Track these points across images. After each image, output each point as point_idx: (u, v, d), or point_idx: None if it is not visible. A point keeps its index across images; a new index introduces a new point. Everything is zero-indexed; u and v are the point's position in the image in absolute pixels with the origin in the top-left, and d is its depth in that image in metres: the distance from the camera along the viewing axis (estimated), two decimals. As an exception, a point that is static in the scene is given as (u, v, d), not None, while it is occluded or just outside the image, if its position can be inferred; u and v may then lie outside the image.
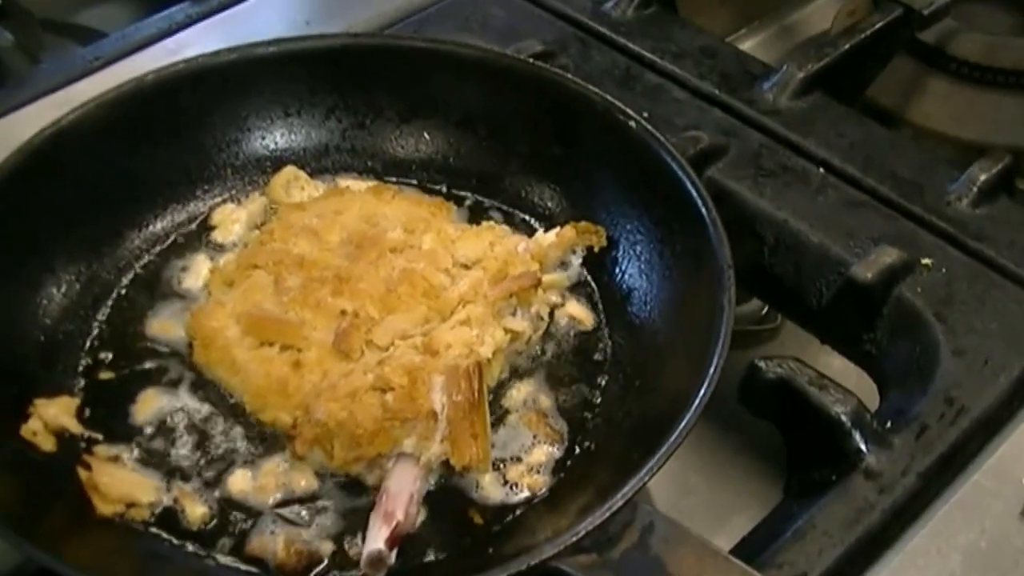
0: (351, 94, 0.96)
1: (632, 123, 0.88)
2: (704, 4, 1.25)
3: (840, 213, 0.96)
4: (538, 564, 0.66)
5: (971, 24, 1.19)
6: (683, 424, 0.70)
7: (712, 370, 0.73)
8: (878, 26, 1.10)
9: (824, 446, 0.83)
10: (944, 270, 0.92)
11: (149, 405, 0.82)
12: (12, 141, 0.89)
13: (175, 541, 0.76)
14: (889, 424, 0.83)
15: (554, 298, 0.87)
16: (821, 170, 0.99)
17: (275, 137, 0.96)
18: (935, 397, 0.85)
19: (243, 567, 0.75)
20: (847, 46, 1.09)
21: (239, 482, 0.78)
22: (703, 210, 0.82)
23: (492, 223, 0.91)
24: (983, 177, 0.97)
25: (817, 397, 0.83)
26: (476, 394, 0.76)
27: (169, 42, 1.12)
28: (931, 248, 0.94)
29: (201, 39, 1.12)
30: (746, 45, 1.29)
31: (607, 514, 0.67)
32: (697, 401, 0.72)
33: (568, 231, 0.88)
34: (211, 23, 1.15)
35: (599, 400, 0.83)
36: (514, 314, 0.84)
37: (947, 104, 1.16)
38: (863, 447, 0.81)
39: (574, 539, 0.66)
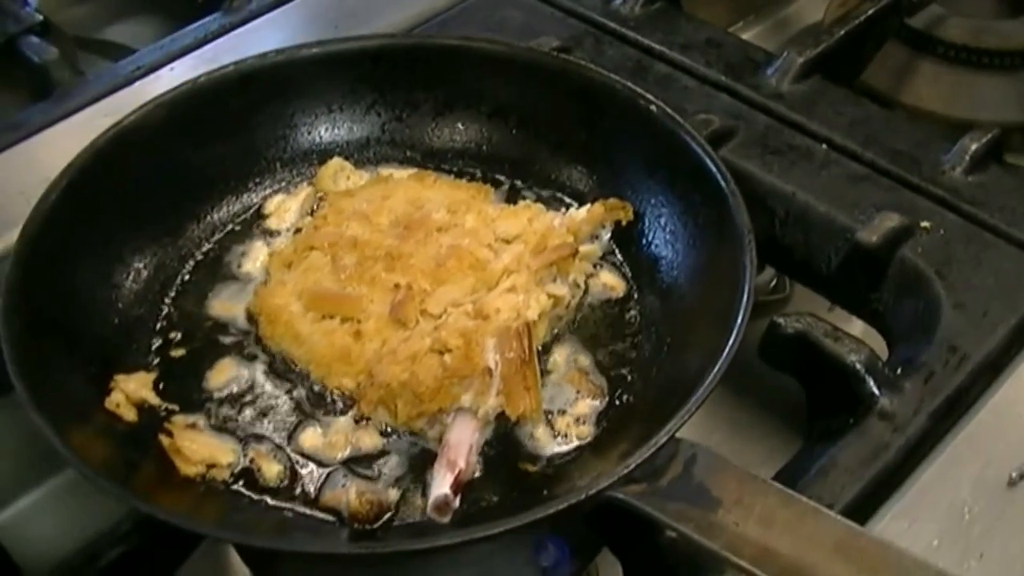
0: (389, 90, 1.03)
1: (653, 107, 0.95)
2: (703, 1, 1.32)
3: (844, 186, 1.03)
4: (595, 494, 0.72)
5: (958, 10, 1.26)
6: (717, 368, 0.77)
7: (739, 321, 0.80)
8: (870, 12, 1.18)
9: (841, 393, 0.89)
10: (942, 232, 0.99)
11: (222, 375, 0.88)
12: (61, 149, 0.96)
13: (254, 496, 0.82)
14: (899, 371, 0.90)
15: (588, 268, 0.94)
16: (824, 147, 1.06)
17: (320, 131, 1.03)
18: (940, 346, 0.91)
19: (320, 516, 0.81)
20: (842, 32, 1.16)
21: (310, 439, 0.84)
22: (722, 181, 0.89)
23: (528, 202, 0.97)
24: (974, 147, 1.04)
25: (832, 348, 0.89)
26: (526, 351, 0.83)
27: (206, 50, 1.18)
28: (929, 213, 1.00)
29: (235, 48, 1.18)
30: (744, 37, 1.35)
31: (654, 448, 0.73)
32: (727, 349, 0.78)
33: (598, 207, 0.95)
34: (243, 32, 1.21)
35: (634, 357, 0.89)
36: (554, 281, 0.90)
37: (937, 85, 1.23)
38: (876, 391, 0.87)
39: (626, 471, 0.73)
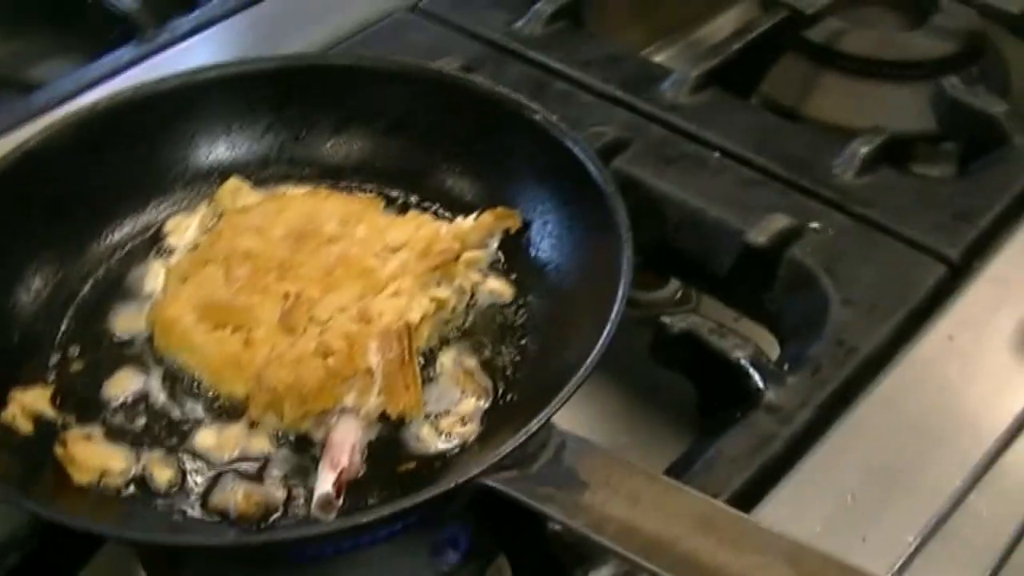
0: (286, 110, 1.05)
1: (537, 116, 0.97)
2: (614, 23, 1.35)
3: (736, 190, 1.05)
4: (465, 481, 0.74)
5: (858, 23, 1.29)
6: (591, 357, 0.79)
7: (614, 313, 0.82)
8: (765, 27, 1.21)
9: (729, 389, 0.91)
10: (831, 232, 1.01)
11: (117, 386, 0.90)
12: None
13: (147, 501, 0.83)
14: (786, 366, 0.92)
15: (475, 276, 0.95)
16: (717, 154, 1.08)
17: (219, 152, 1.05)
18: (827, 341, 0.93)
19: (208, 519, 0.82)
20: (738, 45, 1.19)
21: (201, 443, 0.86)
22: (602, 184, 0.91)
23: (418, 212, 0.99)
24: (863, 150, 1.07)
25: (718, 344, 0.92)
26: (406, 351, 0.85)
27: (119, 79, 1.20)
28: (819, 214, 1.03)
29: (147, 76, 1.19)
30: (657, 59, 1.39)
31: (525, 436, 0.74)
32: (602, 339, 0.80)
33: (486, 216, 0.97)
34: (156, 60, 1.23)
35: (519, 359, 0.91)
36: (438, 286, 0.92)
37: (838, 97, 1.25)
38: (762, 385, 0.89)
39: (496, 458, 0.75)
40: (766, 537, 0.70)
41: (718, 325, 0.93)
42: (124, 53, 1.23)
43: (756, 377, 0.90)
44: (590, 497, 0.73)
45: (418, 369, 0.86)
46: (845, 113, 1.25)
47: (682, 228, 1.03)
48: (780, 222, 0.99)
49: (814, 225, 1.01)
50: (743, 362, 0.91)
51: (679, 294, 1.18)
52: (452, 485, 0.74)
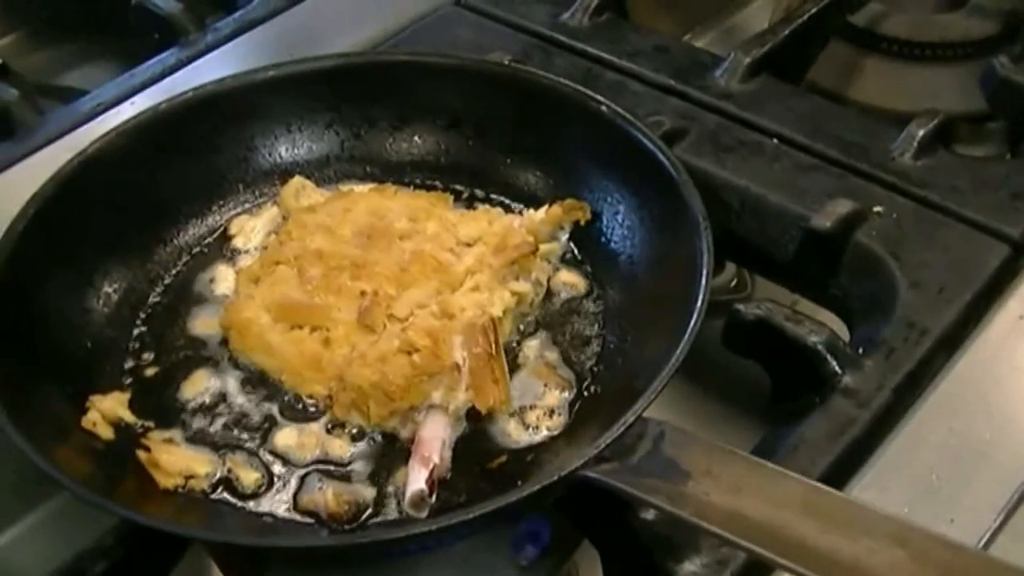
0: (345, 109, 1.05)
1: (604, 107, 0.97)
2: (650, 12, 1.35)
3: (795, 176, 1.05)
4: (567, 475, 0.74)
5: (898, 6, 1.30)
6: (680, 348, 0.79)
7: (699, 302, 0.82)
8: (812, 11, 1.21)
9: (804, 375, 0.91)
10: (894, 216, 1.01)
11: (195, 388, 0.90)
12: (27, 185, 0.97)
13: (235, 503, 0.83)
14: (860, 350, 0.92)
15: (549, 268, 0.96)
16: (775, 141, 1.09)
17: (280, 152, 1.05)
18: (898, 324, 0.94)
19: (299, 519, 0.82)
20: (787, 32, 1.19)
21: (283, 442, 0.86)
22: (674, 172, 0.91)
23: (487, 207, 0.99)
24: (920, 133, 1.07)
25: (793, 330, 0.92)
26: (493, 346, 0.85)
27: (164, 83, 1.20)
28: (880, 198, 1.03)
29: (192, 79, 1.18)
30: (694, 48, 1.39)
31: (623, 428, 0.74)
32: (689, 330, 0.80)
33: (556, 208, 0.97)
34: (200, 64, 1.22)
35: (599, 350, 0.91)
36: (516, 280, 0.92)
37: (881, 80, 1.26)
38: (839, 370, 0.89)
39: (596, 451, 0.74)
40: (873, 519, 0.70)
41: (792, 311, 0.93)
42: (168, 57, 1.22)
43: (832, 362, 0.91)
44: (693, 486, 0.73)
45: (505, 363, 0.86)
46: (889, 96, 1.26)
47: (744, 215, 1.03)
48: (844, 207, 1.00)
49: (877, 209, 1.02)
50: (819, 347, 0.91)
51: (735, 281, 1.18)
52: (555, 478, 0.74)
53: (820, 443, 0.87)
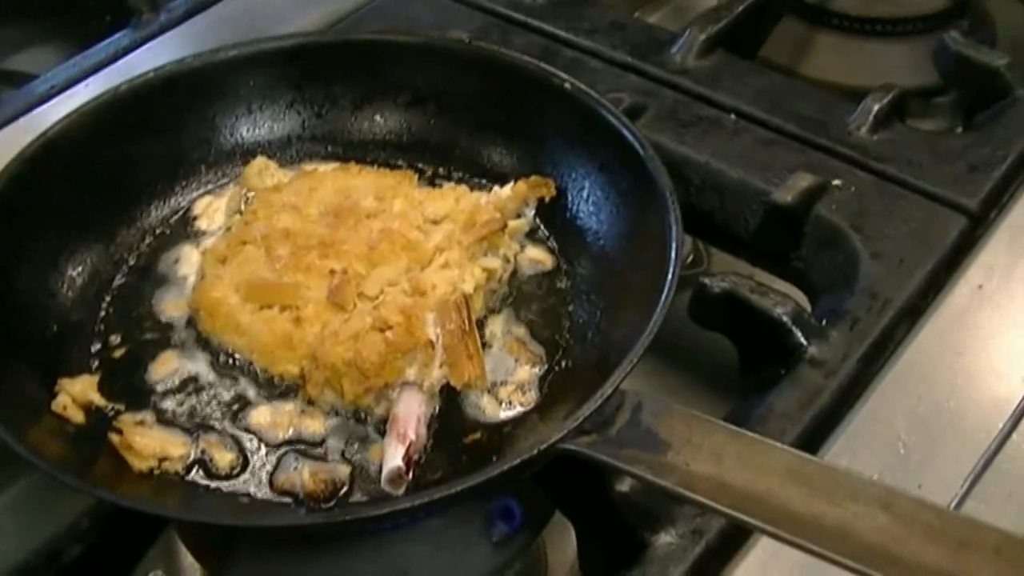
0: (307, 87, 1.05)
1: (567, 84, 0.97)
2: (602, -11, 1.36)
3: (755, 151, 1.07)
4: (548, 447, 0.74)
5: (850, -16, 1.32)
6: (654, 318, 0.79)
7: (671, 274, 0.82)
8: (766, -12, 1.23)
9: (770, 346, 0.92)
10: (853, 189, 1.03)
11: (164, 369, 0.89)
12: None
13: (210, 484, 0.83)
14: (824, 321, 0.94)
15: (515, 245, 0.96)
16: (733, 116, 1.10)
17: (242, 132, 1.04)
18: (861, 295, 0.95)
19: (276, 498, 0.82)
20: (741, 8, 1.20)
21: (255, 421, 0.86)
22: (640, 149, 0.92)
23: (452, 185, 1.00)
24: (876, 107, 1.09)
25: (759, 302, 0.93)
26: (466, 322, 0.85)
27: (119, 64, 1.20)
28: (839, 172, 1.05)
29: (147, 61, 1.19)
30: (645, 24, 1.40)
31: (602, 400, 0.75)
32: (662, 301, 0.80)
33: (521, 184, 0.97)
34: (154, 44, 1.23)
35: (569, 325, 0.92)
36: (485, 256, 0.93)
37: (834, 56, 1.28)
38: (804, 341, 0.91)
39: (576, 423, 0.75)
40: (857, 484, 0.70)
41: (757, 284, 0.94)
42: (121, 38, 1.22)
43: (798, 333, 0.92)
44: (674, 456, 0.73)
45: (479, 339, 0.86)
46: (840, 71, 1.28)
47: (705, 190, 1.04)
48: (805, 180, 1.01)
49: (836, 182, 1.03)
50: (785, 319, 0.92)
51: (691, 256, 1.19)
52: (536, 451, 0.74)
53: (789, 413, 0.88)
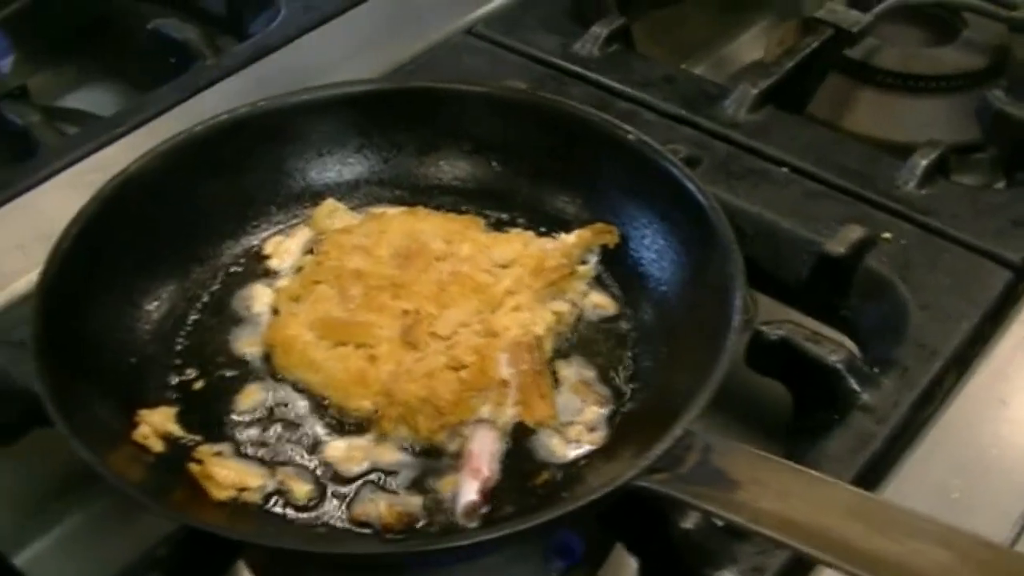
0: (374, 133, 1.08)
1: (630, 136, 1.01)
2: (648, 43, 1.40)
3: (805, 203, 1.10)
4: (624, 484, 0.77)
5: (892, 41, 1.35)
6: (720, 361, 0.83)
7: (733, 321, 0.85)
8: (814, 46, 1.26)
9: (824, 392, 0.96)
10: (902, 241, 1.06)
11: (241, 404, 0.92)
12: (54, 204, 1.05)
13: (287, 514, 0.86)
14: (876, 369, 0.97)
15: (582, 288, 0.99)
16: (784, 169, 1.14)
17: (311, 174, 1.08)
18: (910, 344, 0.98)
19: (355, 529, 0.85)
20: (790, 65, 1.24)
21: (331, 455, 0.89)
22: (702, 199, 0.95)
23: (519, 230, 1.03)
24: (923, 162, 1.12)
25: (815, 350, 0.96)
26: (539, 362, 0.89)
27: (183, 107, 1.23)
28: (887, 225, 1.08)
29: (208, 104, 1.23)
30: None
31: (673, 439, 0.78)
32: (726, 346, 0.84)
33: (586, 231, 1.00)
34: (216, 89, 1.26)
35: (633, 368, 0.94)
36: (553, 300, 0.96)
37: (876, 111, 1.31)
38: (858, 388, 0.94)
39: (648, 462, 0.78)
40: (917, 522, 0.74)
41: (812, 332, 0.97)
42: (184, 81, 1.25)
43: (851, 380, 0.95)
44: (743, 494, 0.76)
45: (551, 379, 0.89)
46: (881, 127, 1.31)
47: (756, 240, 1.07)
48: (855, 232, 1.04)
49: (886, 235, 1.06)
50: (839, 367, 0.95)
51: (739, 302, 1.21)
52: (612, 487, 0.77)
53: (843, 457, 0.91)
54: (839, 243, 1.03)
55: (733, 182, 1.11)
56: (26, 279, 1.04)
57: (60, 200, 1.08)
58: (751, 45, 1.52)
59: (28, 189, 1.14)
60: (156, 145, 1.02)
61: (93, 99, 1.49)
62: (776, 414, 1.03)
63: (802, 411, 0.98)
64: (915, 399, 0.95)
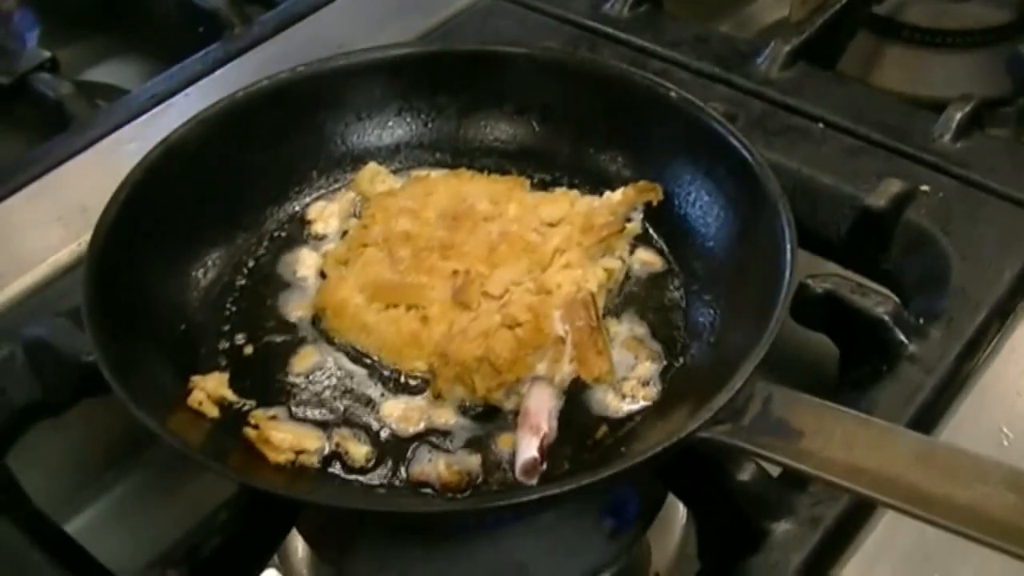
0: (413, 97, 1.08)
1: (672, 93, 1.01)
2: (675, 2, 1.40)
3: (843, 158, 1.11)
4: (686, 436, 0.78)
5: (919, -2, 1.36)
6: (775, 315, 0.83)
7: (787, 276, 0.85)
8: (843, 2, 1.27)
9: (871, 344, 0.96)
10: (940, 194, 1.07)
11: (293, 366, 0.93)
12: (89, 176, 1.07)
13: (346, 476, 0.86)
14: (921, 320, 0.98)
15: (627, 247, 1.00)
16: (820, 125, 1.14)
17: (352, 139, 1.08)
18: (954, 294, 0.99)
19: (415, 489, 0.85)
20: (821, 21, 1.24)
21: (389, 414, 0.89)
22: (747, 154, 0.95)
23: (564, 189, 1.03)
24: (958, 115, 1.13)
25: (861, 302, 0.97)
26: (594, 318, 0.89)
27: (215, 76, 1.23)
28: (926, 178, 1.08)
29: (244, 72, 1.23)
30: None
31: (734, 390, 0.79)
32: (781, 301, 0.84)
33: (630, 189, 1.00)
34: (248, 57, 1.26)
35: (684, 324, 0.95)
36: (603, 257, 0.96)
37: (904, 67, 1.32)
38: (905, 339, 0.95)
39: (711, 413, 0.78)
40: (984, 466, 0.74)
41: (857, 284, 0.98)
42: (215, 50, 1.25)
43: (898, 332, 0.96)
44: (808, 443, 0.77)
45: (607, 335, 0.90)
46: (909, 83, 1.32)
47: (796, 196, 1.07)
48: (895, 186, 1.05)
49: (924, 188, 1.06)
50: (886, 318, 0.96)
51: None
52: (675, 439, 0.77)
53: (893, 408, 0.92)
54: (879, 197, 1.04)
55: (770, 138, 1.12)
56: (68, 250, 1.05)
57: (97, 171, 1.09)
58: (774, 4, 1.52)
59: (64, 161, 1.14)
60: (197, 112, 1.01)
61: (120, 72, 1.50)
62: (822, 367, 1.03)
63: (849, 364, 0.99)
64: (961, 349, 0.96)
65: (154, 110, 1.19)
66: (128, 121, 1.18)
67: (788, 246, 0.88)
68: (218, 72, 1.23)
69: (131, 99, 1.20)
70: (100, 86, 1.43)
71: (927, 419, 0.92)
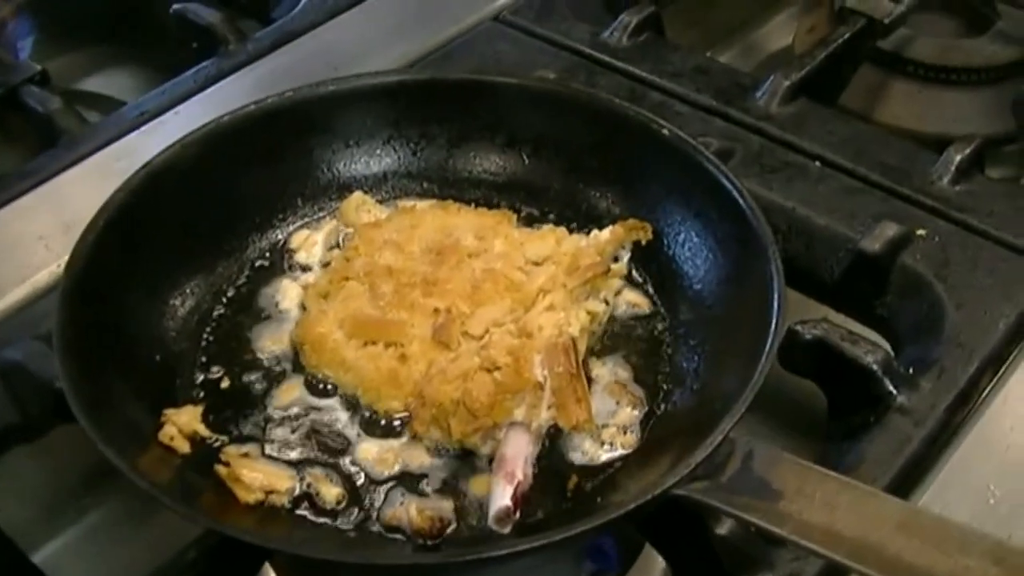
0: (404, 125, 1.07)
1: (666, 131, 0.99)
2: (679, 28, 1.38)
3: (840, 198, 1.09)
4: (662, 492, 0.76)
5: (925, 31, 1.33)
6: (760, 366, 0.81)
7: (775, 324, 0.83)
8: (846, 36, 1.25)
9: (860, 393, 0.94)
10: (937, 239, 1.05)
11: (273, 402, 0.91)
12: (76, 194, 1.04)
13: (316, 519, 0.84)
14: (911, 370, 0.95)
15: (615, 286, 0.97)
16: (817, 163, 1.12)
17: (338, 166, 1.06)
18: (947, 344, 0.97)
19: (385, 534, 0.84)
20: (823, 56, 1.22)
21: (364, 455, 0.87)
22: (739, 197, 0.93)
23: (551, 226, 1.01)
24: (958, 157, 1.10)
25: (851, 350, 0.94)
26: (574, 365, 0.87)
27: (208, 93, 1.21)
28: (923, 221, 1.06)
29: (233, 90, 1.21)
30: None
31: (714, 446, 0.76)
32: (767, 350, 0.82)
33: (619, 228, 0.98)
34: (241, 74, 1.24)
35: (668, 369, 0.93)
36: (587, 299, 0.94)
37: (909, 103, 1.29)
38: (894, 390, 0.93)
39: (688, 469, 0.76)
40: (968, 537, 0.72)
41: (848, 332, 0.95)
42: (209, 67, 1.23)
43: (887, 382, 0.94)
44: (787, 505, 0.75)
45: (586, 382, 0.88)
46: (914, 119, 1.29)
47: (791, 236, 1.06)
48: (891, 229, 1.03)
49: (920, 232, 1.04)
50: (875, 367, 0.94)
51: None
52: (649, 496, 0.76)
53: (880, 460, 0.90)
54: (874, 240, 1.02)
55: (767, 175, 1.10)
56: (47, 271, 1.03)
57: (83, 190, 1.07)
58: (780, 31, 1.50)
59: (50, 178, 1.12)
60: (183, 136, 1.00)
61: (114, 82, 1.48)
62: (809, 414, 1.01)
63: (837, 412, 0.97)
64: (952, 401, 0.94)
65: (144, 127, 1.17)
66: (118, 138, 1.16)
67: (776, 295, 0.86)
68: (210, 89, 1.21)
69: (121, 116, 1.18)
70: (95, 96, 1.42)
71: (915, 472, 0.90)
